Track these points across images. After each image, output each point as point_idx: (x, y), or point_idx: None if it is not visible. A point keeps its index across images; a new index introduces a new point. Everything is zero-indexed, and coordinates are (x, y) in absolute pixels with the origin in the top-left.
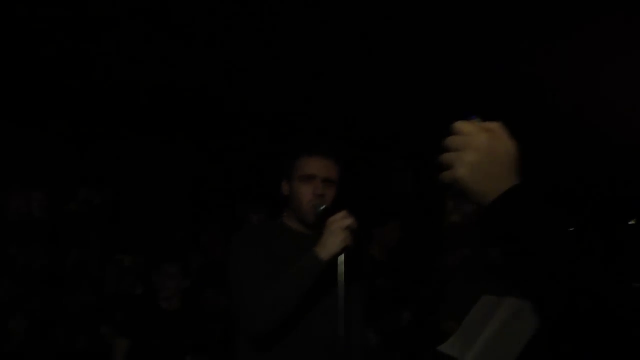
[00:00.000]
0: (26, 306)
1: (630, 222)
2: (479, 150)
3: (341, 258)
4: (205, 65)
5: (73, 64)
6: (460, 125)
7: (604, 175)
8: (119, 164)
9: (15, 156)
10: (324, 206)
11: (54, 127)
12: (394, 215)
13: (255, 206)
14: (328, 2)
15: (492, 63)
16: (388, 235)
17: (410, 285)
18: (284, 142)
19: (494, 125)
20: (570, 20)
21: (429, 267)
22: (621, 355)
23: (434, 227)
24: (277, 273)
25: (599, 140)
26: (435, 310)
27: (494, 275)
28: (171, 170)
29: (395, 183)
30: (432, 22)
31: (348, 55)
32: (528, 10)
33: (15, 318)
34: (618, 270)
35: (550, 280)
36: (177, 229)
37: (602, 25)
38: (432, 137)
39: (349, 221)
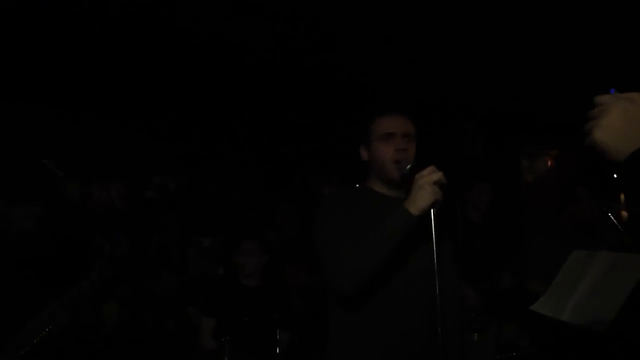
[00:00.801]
0: (116, 292)
1: None
2: (614, 115)
3: (432, 214)
4: (272, 37)
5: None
6: (600, 97)
7: None
8: (190, 148)
9: (93, 148)
10: (409, 165)
11: (123, 115)
12: (481, 177)
13: (327, 179)
14: None
15: None
16: (480, 197)
17: (507, 247)
18: (355, 112)
19: (633, 94)
20: None
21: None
22: None
23: (510, 188)
24: (365, 234)
25: None
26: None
27: (579, 232)
28: (241, 150)
29: (467, 146)
30: None
31: (417, 18)
32: None
33: (107, 303)
34: None
35: None
36: (252, 209)
37: None
38: (503, 98)
39: (437, 175)
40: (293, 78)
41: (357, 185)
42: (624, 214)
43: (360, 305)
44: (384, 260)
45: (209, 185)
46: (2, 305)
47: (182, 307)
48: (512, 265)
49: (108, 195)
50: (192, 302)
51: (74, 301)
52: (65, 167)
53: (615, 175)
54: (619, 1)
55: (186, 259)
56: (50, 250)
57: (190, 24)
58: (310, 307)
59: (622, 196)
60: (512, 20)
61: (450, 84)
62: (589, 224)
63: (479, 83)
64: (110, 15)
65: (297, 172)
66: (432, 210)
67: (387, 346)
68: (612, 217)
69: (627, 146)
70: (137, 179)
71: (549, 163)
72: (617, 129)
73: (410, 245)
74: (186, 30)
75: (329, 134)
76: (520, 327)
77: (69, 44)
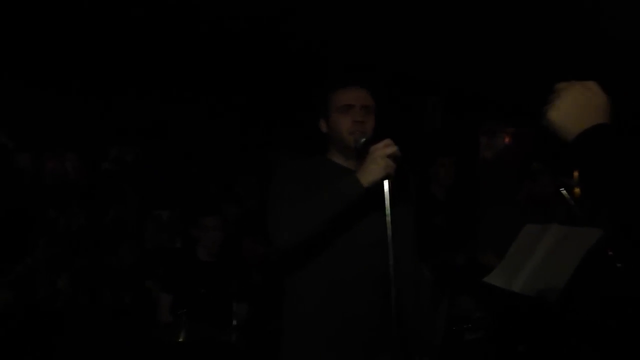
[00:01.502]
0: (71, 266)
1: None
2: (571, 98)
3: (387, 187)
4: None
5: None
6: (561, 84)
7: None
8: (148, 119)
9: (45, 120)
10: (364, 138)
11: (79, 87)
12: (443, 152)
13: (289, 153)
14: None
15: None
16: (442, 172)
17: (466, 225)
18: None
19: (590, 82)
20: None
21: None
22: None
23: (469, 164)
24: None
25: None
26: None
27: (534, 207)
28: (201, 123)
29: (427, 121)
30: None
31: None
32: None
33: (62, 278)
34: None
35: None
36: (211, 181)
37: None
38: (463, 75)
39: (392, 149)
40: (251, 48)
41: (316, 156)
42: (577, 190)
43: (312, 277)
44: (324, 222)
45: (167, 157)
46: None
47: (140, 281)
48: (470, 242)
49: (62, 167)
50: (150, 275)
51: (19, 279)
52: (16, 138)
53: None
54: None
55: (144, 232)
56: None
57: None
58: (269, 280)
59: (576, 173)
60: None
61: (412, 60)
62: (544, 199)
63: (440, 59)
64: None
65: (257, 143)
66: (385, 183)
67: (339, 317)
68: (565, 193)
69: (577, 127)
70: (92, 150)
71: (507, 140)
72: (569, 111)
73: (364, 218)
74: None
75: (290, 105)
76: (475, 300)
77: (19, 13)
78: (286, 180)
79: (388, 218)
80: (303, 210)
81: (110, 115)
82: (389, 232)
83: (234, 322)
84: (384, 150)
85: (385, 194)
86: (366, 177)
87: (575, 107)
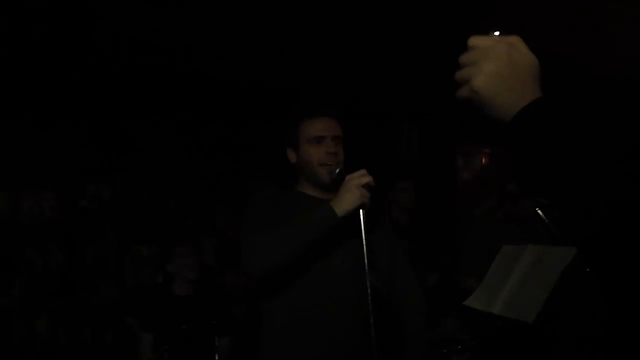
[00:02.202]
0: (50, 306)
1: None
2: (499, 60)
3: (362, 216)
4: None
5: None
6: (477, 39)
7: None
8: (125, 155)
9: (20, 160)
10: (338, 169)
11: (56, 125)
12: (401, 175)
13: (267, 184)
14: None
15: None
16: (403, 196)
17: (434, 246)
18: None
19: (514, 38)
20: None
21: (449, 228)
22: None
23: (445, 187)
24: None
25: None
26: (455, 269)
27: (513, 228)
28: (179, 157)
29: (403, 146)
30: None
31: (342, 21)
32: None
33: (40, 319)
34: None
35: (579, 192)
36: (191, 215)
37: None
38: (436, 95)
39: (367, 179)
40: (221, 83)
41: (287, 188)
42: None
43: (288, 305)
44: (298, 251)
45: (144, 192)
46: None
47: (121, 318)
48: (442, 264)
49: (39, 207)
50: (132, 312)
51: None
52: None
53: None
54: None
55: (124, 268)
56: None
57: (113, 27)
58: (252, 312)
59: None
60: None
61: (382, 86)
62: (522, 220)
63: (411, 85)
64: (35, 20)
65: (234, 176)
66: (361, 212)
67: (317, 345)
68: (541, 213)
69: (514, 100)
70: (69, 188)
71: (484, 160)
72: (503, 77)
73: (340, 246)
74: (110, 34)
75: (260, 137)
76: (460, 321)
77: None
78: (257, 210)
79: (364, 247)
80: (276, 239)
81: (86, 152)
82: (366, 260)
83: (216, 357)
84: (359, 179)
85: (361, 222)
86: (341, 207)
87: (507, 71)
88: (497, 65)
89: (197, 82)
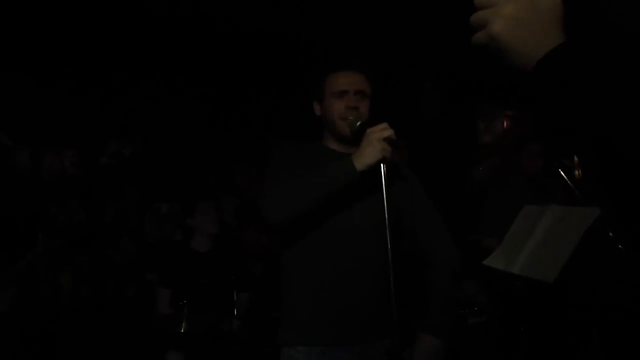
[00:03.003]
0: (73, 261)
1: None
2: (518, 1)
3: (383, 171)
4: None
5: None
6: None
7: None
8: (146, 112)
9: (42, 117)
10: (359, 122)
11: (76, 82)
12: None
13: (289, 141)
14: None
15: None
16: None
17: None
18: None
19: None
20: None
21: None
22: None
23: (465, 149)
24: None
25: None
26: (474, 228)
27: (533, 189)
28: (201, 114)
29: (425, 107)
30: None
31: None
32: None
33: (64, 273)
34: None
35: (607, 138)
36: (211, 174)
37: None
38: (461, 56)
39: (388, 132)
40: (246, 36)
41: (311, 142)
42: (578, 173)
43: (309, 259)
44: (315, 202)
45: (165, 150)
46: None
47: (141, 274)
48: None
49: (60, 164)
50: (151, 268)
51: (21, 276)
52: (14, 135)
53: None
54: None
55: (144, 225)
56: None
57: None
58: (270, 269)
59: (576, 157)
60: None
61: (408, 45)
62: (542, 180)
63: (436, 42)
64: None
65: (256, 132)
66: (382, 167)
67: (337, 300)
68: (563, 174)
69: (536, 46)
70: (90, 146)
71: (506, 123)
72: (524, 21)
73: (361, 201)
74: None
75: (288, 92)
76: (478, 283)
77: (17, 10)
78: (280, 162)
79: (385, 203)
80: (295, 188)
81: (108, 109)
82: (386, 216)
83: (236, 312)
84: (380, 133)
85: (382, 178)
86: (361, 160)
87: (528, 15)
88: (517, 7)
89: (220, 40)
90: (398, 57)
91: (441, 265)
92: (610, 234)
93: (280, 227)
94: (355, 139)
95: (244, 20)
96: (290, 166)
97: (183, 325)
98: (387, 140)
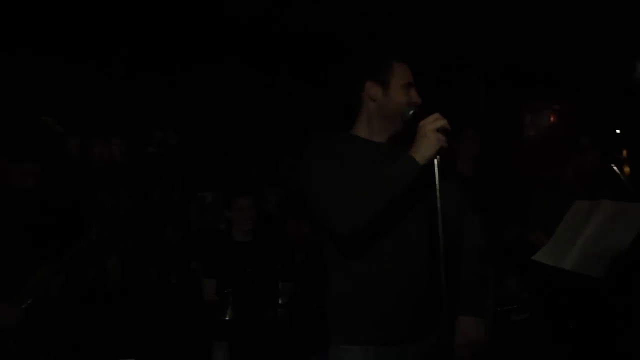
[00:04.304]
0: (119, 248)
1: None
2: None
3: (436, 162)
4: None
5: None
6: None
7: None
8: (192, 101)
9: (91, 105)
10: (411, 111)
11: (124, 71)
12: (468, 125)
13: (321, 137)
14: None
15: None
16: (468, 146)
17: (499, 199)
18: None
19: None
20: None
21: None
22: None
23: (510, 143)
24: (362, 178)
25: None
26: (523, 223)
27: (581, 184)
28: (246, 105)
29: (469, 100)
30: None
31: None
32: None
33: (111, 260)
34: None
35: None
36: (255, 164)
37: None
38: (505, 51)
39: (442, 122)
40: (290, 27)
41: (340, 133)
42: (627, 169)
43: (360, 254)
44: (387, 206)
45: (211, 139)
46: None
47: (186, 262)
48: (512, 217)
49: (109, 152)
50: (195, 257)
51: (72, 262)
52: (65, 123)
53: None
54: None
55: (189, 214)
56: (49, 210)
57: None
58: (313, 260)
59: (625, 151)
60: None
61: (452, 37)
62: (591, 175)
63: (481, 36)
64: None
65: (299, 123)
66: (435, 162)
67: (388, 294)
68: (615, 168)
69: None
70: (138, 134)
71: (552, 118)
72: None
73: (411, 194)
74: None
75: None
76: (521, 279)
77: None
78: (323, 161)
79: (437, 195)
80: (365, 196)
81: (155, 99)
82: (439, 206)
83: (280, 301)
84: (434, 124)
85: (435, 170)
86: (421, 154)
87: None
88: None
89: (265, 32)
90: (444, 49)
91: (470, 248)
92: None
93: (354, 237)
94: (404, 130)
95: (291, 19)
96: (334, 166)
97: (228, 313)
98: (441, 130)
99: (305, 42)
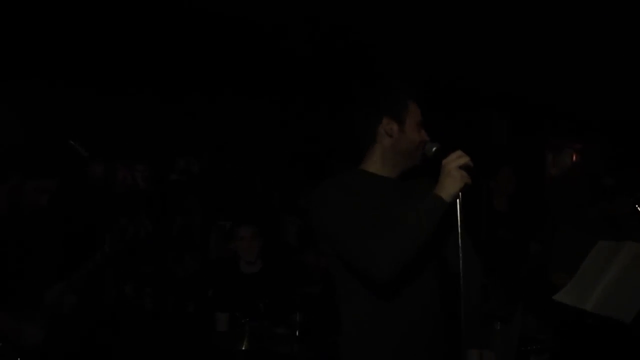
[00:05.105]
0: (138, 273)
1: None
2: None
3: (459, 204)
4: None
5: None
6: None
7: None
8: (215, 131)
9: (116, 131)
10: (435, 147)
11: (148, 98)
12: (503, 163)
13: (347, 164)
14: None
15: None
16: (504, 183)
17: (530, 236)
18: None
19: None
20: None
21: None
22: None
23: (534, 179)
24: (383, 219)
25: None
26: (546, 263)
27: (606, 224)
28: (266, 134)
29: (494, 135)
30: None
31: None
32: None
33: (128, 284)
34: None
35: None
36: (275, 193)
37: None
38: (528, 89)
39: (464, 159)
40: (321, 61)
41: (351, 170)
42: None
43: (377, 292)
44: (419, 247)
45: (233, 169)
46: (12, 278)
47: (204, 290)
48: (537, 252)
49: (132, 177)
50: (213, 285)
51: (88, 278)
52: (91, 148)
53: None
54: None
55: (208, 242)
56: (65, 227)
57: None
58: (329, 291)
59: None
60: (539, 11)
61: (477, 73)
62: (618, 217)
63: (505, 73)
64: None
65: (322, 155)
66: (457, 201)
67: (403, 326)
68: None
69: None
70: (161, 161)
71: (574, 157)
72: None
73: (438, 232)
74: (205, 10)
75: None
76: (541, 320)
77: (94, 23)
78: (342, 203)
79: (460, 234)
80: (400, 240)
81: (179, 126)
82: (460, 243)
83: (297, 333)
84: (457, 161)
85: (457, 208)
86: (446, 192)
87: None
88: None
89: (286, 62)
90: (466, 85)
91: (473, 281)
92: None
93: (390, 283)
94: (413, 167)
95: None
96: (359, 207)
97: (244, 343)
98: (463, 167)
99: (328, 70)
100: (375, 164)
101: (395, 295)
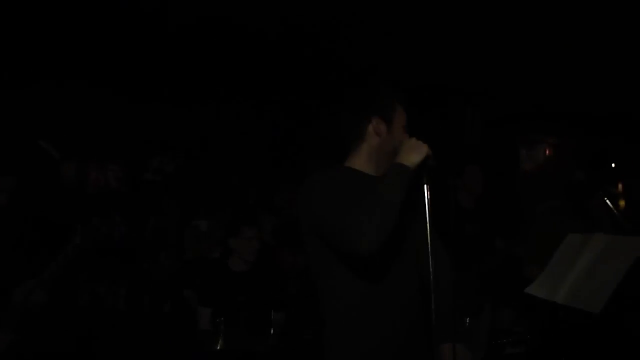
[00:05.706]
0: (112, 274)
1: None
2: None
3: (426, 191)
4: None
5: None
6: None
7: None
8: (188, 130)
9: (88, 130)
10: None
11: (122, 98)
12: (470, 162)
13: (328, 163)
14: None
15: None
16: (471, 182)
17: (498, 231)
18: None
19: None
20: None
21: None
22: None
23: (507, 176)
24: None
25: None
26: (515, 257)
27: (578, 217)
28: (240, 134)
29: (467, 130)
30: None
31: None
32: None
33: (102, 285)
34: None
35: None
36: (251, 192)
37: None
38: (501, 85)
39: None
40: (294, 62)
41: (336, 166)
42: (622, 202)
43: (358, 285)
44: (395, 215)
45: (207, 167)
46: None
47: (179, 290)
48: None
49: (105, 177)
50: (189, 285)
51: (59, 273)
52: (62, 148)
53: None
54: None
55: (183, 242)
56: (21, 226)
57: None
58: (306, 289)
59: (620, 185)
60: (511, 7)
61: (449, 70)
62: (588, 210)
63: (477, 69)
64: None
65: (297, 154)
66: (425, 188)
67: (384, 324)
68: (609, 202)
69: None
70: (134, 161)
71: (548, 151)
72: None
73: (402, 223)
74: (180, 10)
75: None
76: (516, 313)
77: (68, 19)
78: (330, 188)
79: (427, 220)
80: (375, 207)
81: (152, 126)
82: (429, 237)
83: (272, 331)
84: (418, 140)
85: (425, 199)
86: (408, 159)
87: None
88: None
89: (263, 61)
90: (439, 82)
91: (443, 276)
92: None
93: (375, 254)
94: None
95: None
96: (346, 192)
97: (220, 342)
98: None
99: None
100: (361, 161)
101: (380, 283)
